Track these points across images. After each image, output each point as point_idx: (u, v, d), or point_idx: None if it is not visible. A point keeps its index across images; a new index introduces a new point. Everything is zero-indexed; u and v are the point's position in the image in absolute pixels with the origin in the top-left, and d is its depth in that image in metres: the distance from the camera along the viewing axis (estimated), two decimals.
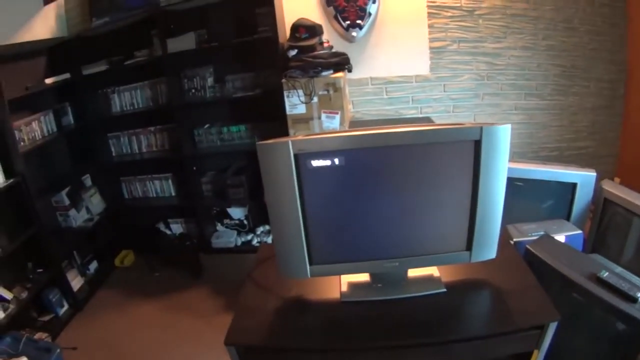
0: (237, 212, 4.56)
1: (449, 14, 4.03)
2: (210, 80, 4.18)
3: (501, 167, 1.58)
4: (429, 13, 4.03)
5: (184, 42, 3.95)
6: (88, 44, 4.21)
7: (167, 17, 3.93)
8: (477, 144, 1.53)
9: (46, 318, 3.71)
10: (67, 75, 4.15)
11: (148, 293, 4.08)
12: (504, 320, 1.61)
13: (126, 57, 4.21)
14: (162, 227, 4.70)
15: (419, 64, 4.16)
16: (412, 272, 1.83)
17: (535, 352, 1.65)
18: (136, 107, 4.41)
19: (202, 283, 4.19)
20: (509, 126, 1.53)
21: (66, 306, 3.87)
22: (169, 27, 3.99)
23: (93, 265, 4.40)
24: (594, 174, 3.34)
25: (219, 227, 4.63)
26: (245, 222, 4.56)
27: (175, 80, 4.15)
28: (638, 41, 4.08)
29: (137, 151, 4.57)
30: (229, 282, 3.97)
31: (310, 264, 1.68)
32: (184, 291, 4.07)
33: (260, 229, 4.51)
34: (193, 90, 4.20)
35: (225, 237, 4.47)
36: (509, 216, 2.89)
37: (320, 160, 1.54)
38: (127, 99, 4.41)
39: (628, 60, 4.21)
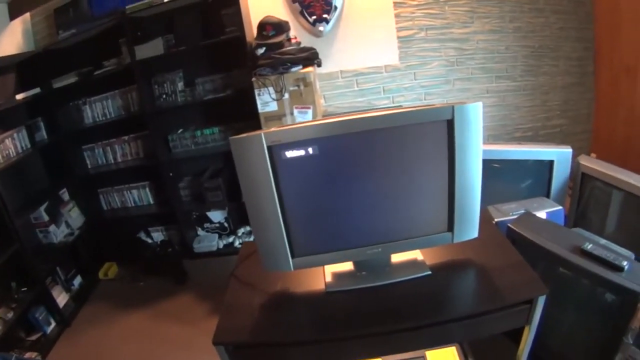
0: (216, 215, 4.53)
1: (415, 3, 4.05)
2: (180, 85, 4.16)
3: (475, 144, 1.58)
4: (394, 2, 4.04)
5: (152, 48, 3.92)
6: (56, 56, 4.16)
7: (133, 24, 3.89)
8: (450, 124, 1.54)
9: (34, 337, 3.64)
10: (37, 90, 4.08)
11: (134, 304, 4.04)
12: (492, 297, 1.62)
13: (95, 68, 4.17)
14: (143, 236, 4.65)
15: (388, 54, 4.18)
16: (396, 258, 1.82)
17: (527, 328, 1.66)
18: (108, 117, 4.36)
19: (187, 289, 4.17)
20: (480, 104, 1.54)
21: (53, 323, 3.82)
22: (136, 34, 3.94)
23: (77, 280, 4.34)
24: (570, 150, 3.37)
25: (200, 231, 4.60)
26: (226, 224, 4.53)
27: (145, 87, 4.11)
28: (604, 18, 4.12)
29: (112, 161, 4.51)
30: (214, 286, 3.96)
31: (293, 257, 1.68)
32: (170, 299, 4.04)
33: (241, 230, 4.49)
34: (164, 96, 4.18)
35: (207, 241, 4.43)
36: (488, 198, 2.90)
37: (294, 151, 1.54)
38: (99, 109, 4.36)
39: (595, 37, 4.25)
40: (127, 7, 3.80)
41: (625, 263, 1.92)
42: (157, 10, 3.86)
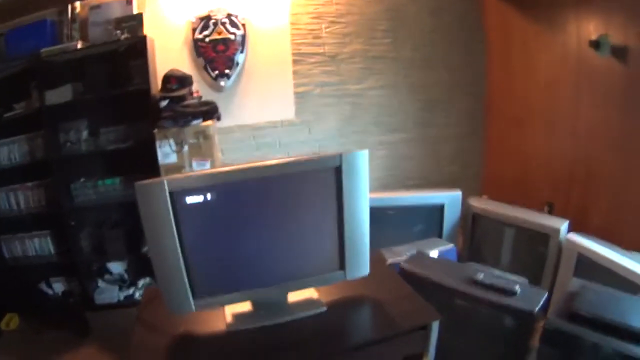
0: (116, 267, 4.45)
1: (313, 60, 4.28)
2: (85, 133, 4.15)
3: (362, 188, 1.74)
4: (293, 60, 4.25)
5: (61, 94, 3.92)
6: None
7: (46, 68, 3.90)
8: (338, 170, 1.69)
9: None
10: None
11: (36, 357, 3.85)
12: (387, 326, 1.73)
13: (5, 110, 4.11)
14: (44, 286, 4.50)
15: (285, 109, 4.36)
16: (293, 297, 1.92)
17: (426, 356, 1.76)
18: (14, 161, 4.24)
19: (90, 341, 3.99)
20: (366, 151, 1.70)
21: None
22: (48, 79, 3.94)
23: None
24: (459, 193, 3.61)
25: (101, 282, 4.47)
26: (126, 276, 4.46)
27: (52, 134, 4.08)
28: (496, 75, 4.50)
29: (15, 207, 4.36)
30: (116, 338, 3.79)
31: (194, 298, 1.74)
32: (73, 351, 3.86)
33: (141, 282, 4.41)
34: (69, 144, 4.14)
35: (108, 293, 4.33)
36: (384, 243, 3.05)
37: (194, 196, 1.65)
38: (4, 153, 4.24)
39: (487, 92, 4.61)
40: (42, 50, 3.82)
41: (517, 287, 2.08)
42: (71, 57, 3.90)
